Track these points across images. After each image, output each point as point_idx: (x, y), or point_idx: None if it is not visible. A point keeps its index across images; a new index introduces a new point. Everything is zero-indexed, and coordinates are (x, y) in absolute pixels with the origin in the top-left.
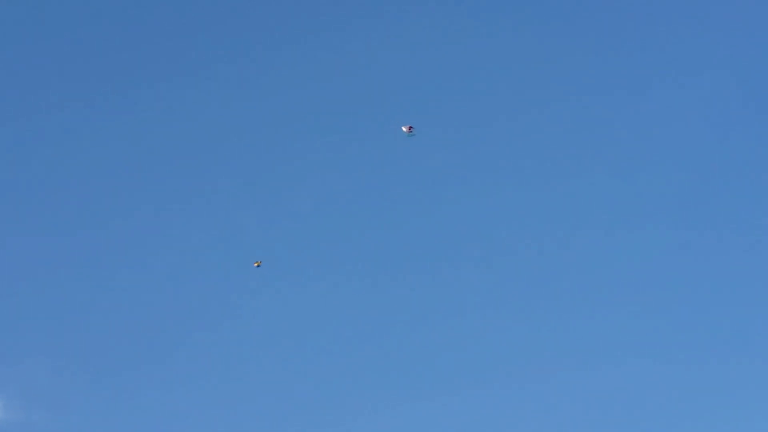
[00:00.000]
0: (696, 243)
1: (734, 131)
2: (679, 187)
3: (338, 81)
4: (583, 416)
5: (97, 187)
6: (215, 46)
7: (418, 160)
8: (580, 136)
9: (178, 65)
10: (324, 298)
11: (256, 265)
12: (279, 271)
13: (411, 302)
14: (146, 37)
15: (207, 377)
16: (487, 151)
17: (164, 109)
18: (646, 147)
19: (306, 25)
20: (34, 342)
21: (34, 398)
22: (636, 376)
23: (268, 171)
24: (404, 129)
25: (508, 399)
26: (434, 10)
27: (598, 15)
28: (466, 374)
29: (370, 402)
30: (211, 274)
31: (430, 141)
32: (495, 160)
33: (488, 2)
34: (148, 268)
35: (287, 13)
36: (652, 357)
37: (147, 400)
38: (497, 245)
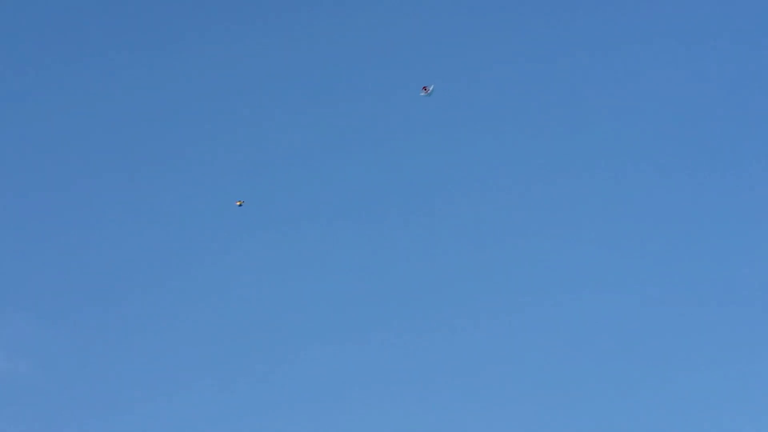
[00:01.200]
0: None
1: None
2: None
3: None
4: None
5: (78, 141)
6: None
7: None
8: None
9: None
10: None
11: (237, 204)
12: (267, 209)
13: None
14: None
15: (196, 325)
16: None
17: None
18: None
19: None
20: (17, 294)
21: (19, 349)
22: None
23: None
24: (423, 93)
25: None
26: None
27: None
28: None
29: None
30: (195, 215)
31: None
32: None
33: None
34: (131, 217)
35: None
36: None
37: (132, 350)
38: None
